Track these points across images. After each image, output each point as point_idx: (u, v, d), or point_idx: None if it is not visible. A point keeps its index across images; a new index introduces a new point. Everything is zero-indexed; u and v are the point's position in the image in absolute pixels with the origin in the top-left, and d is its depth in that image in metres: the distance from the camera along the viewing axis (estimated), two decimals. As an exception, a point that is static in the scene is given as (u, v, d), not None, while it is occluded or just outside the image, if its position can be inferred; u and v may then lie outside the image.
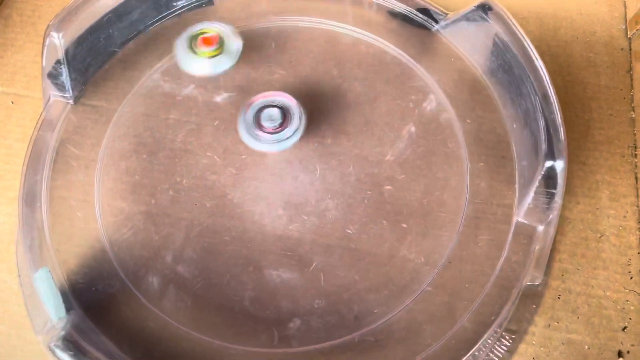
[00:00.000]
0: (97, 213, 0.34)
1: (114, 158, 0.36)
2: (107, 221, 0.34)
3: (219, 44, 0.36)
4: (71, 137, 0.37)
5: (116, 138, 0.37)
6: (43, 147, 0.35)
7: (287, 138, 0.35)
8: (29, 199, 0.34)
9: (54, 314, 0.29)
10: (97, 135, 0.37)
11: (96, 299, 0.32)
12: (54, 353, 0.27)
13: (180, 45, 0.36)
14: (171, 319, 0.32)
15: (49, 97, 0.36)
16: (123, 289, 0.32)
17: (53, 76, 0.35)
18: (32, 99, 0.41)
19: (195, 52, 0.36)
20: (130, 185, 0.36)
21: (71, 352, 0.26)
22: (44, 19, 0.44)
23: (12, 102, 0.41)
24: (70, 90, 0.36)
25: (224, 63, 0.36)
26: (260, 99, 0.36)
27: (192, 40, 0.37)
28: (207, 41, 0.36)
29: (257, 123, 0.35)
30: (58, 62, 0.35)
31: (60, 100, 0.37)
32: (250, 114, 0.35)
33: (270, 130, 0.35)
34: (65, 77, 0.36)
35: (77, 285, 0.32)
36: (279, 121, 0.35)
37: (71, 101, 0.37)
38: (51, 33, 0.35)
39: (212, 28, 0.37)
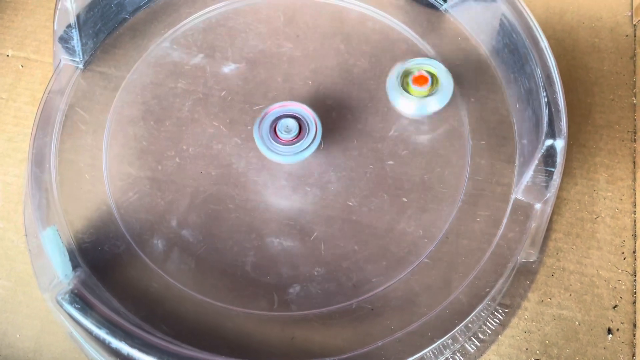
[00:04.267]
0: (104, 176, 0.35)
1: (122, 124, 0.37)
2: (114, 185, 0.35)
3: (432, 84, 0.35)
4: (80, 101, 0.37)
5: (124, 105, 0.38)
6: (53, 109, 0.36)
7: (304, 150, 0.34)
8: (38, 160, 0.34)
9: (60, 271, 0.30)
10: (105, 101, 0.38)
11: (102, 259, 0.32)
12: (61, 306, 0.28)
13: (390, 79, 0.35)
14: (175, 281, 0.32)
15: (60, 61, 0.37)
16: (128, 250, 0.33)
17: (64, 40, 0.36)
18: (41, 64, 0.42)
19: (406, 90, 0.35)
20: (137, 151, 0.36)
21: (78, 305, 0.27)
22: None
23: (22, 66, 0.41)
24: (81, 55, 0.37)
25: (435, 104, 0.35)
26: (276, 108, 0.35)
27: (404, 76, 0.36)
28: (420, 81, 0.35)
29: (274, 133, 0.34)
30: (69, 26, 0.36)
31: (70, 64, 0.37)
32: (266, 123, 0.34)
33: (286, 142, 0.34)
34: (76, 41, 0.36)
35: (83, 244, 0.33)
36: (295, 132, 0.34)
37: (81, 66, 0.37)
38: (63, -3, 0.35)
39: (425, 66, 0.36)
